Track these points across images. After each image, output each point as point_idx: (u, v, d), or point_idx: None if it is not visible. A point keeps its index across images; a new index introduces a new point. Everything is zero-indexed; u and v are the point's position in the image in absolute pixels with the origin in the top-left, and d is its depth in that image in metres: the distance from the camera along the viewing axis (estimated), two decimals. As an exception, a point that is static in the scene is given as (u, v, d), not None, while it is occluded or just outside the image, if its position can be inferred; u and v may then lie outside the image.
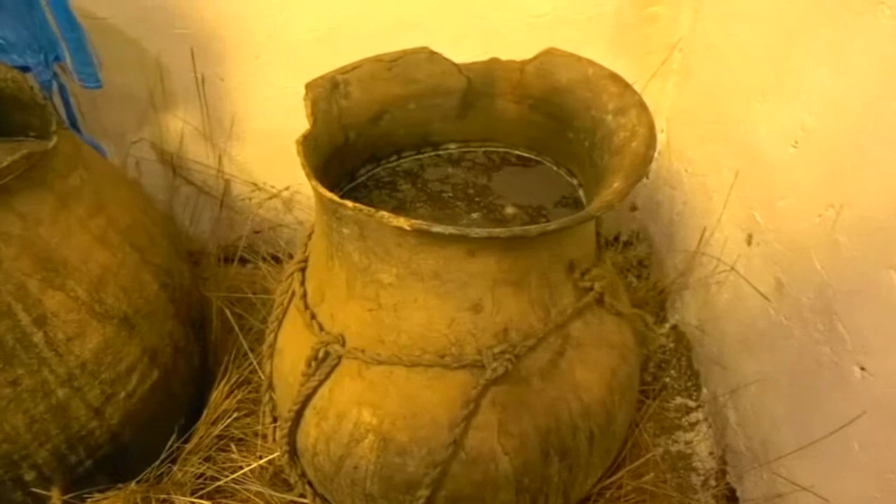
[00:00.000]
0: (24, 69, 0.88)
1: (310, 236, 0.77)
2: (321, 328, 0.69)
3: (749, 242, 0.88)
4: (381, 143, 0.82)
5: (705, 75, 1.01)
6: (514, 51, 0.80)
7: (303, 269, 0.75)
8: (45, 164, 0.73)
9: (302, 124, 0.69)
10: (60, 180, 0.76)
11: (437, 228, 0.56)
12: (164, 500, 0.86)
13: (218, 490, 0.90)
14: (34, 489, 0.78)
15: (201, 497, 0.88)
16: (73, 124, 0.98)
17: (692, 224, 1.05)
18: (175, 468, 0.90)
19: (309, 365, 0.68)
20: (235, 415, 0.95)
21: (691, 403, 1.05)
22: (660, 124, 1.13)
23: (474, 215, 0.78)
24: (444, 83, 0.80)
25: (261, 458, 0.92)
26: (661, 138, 1.12)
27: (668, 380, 1.09)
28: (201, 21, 1.03)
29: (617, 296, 0.74)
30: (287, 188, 1.23)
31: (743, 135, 0.88)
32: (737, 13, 0.90)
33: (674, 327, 1.14)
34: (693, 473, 0.97)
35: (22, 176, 0.70)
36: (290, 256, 1.23)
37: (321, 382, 0.69)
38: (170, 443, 0.88)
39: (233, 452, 0.93)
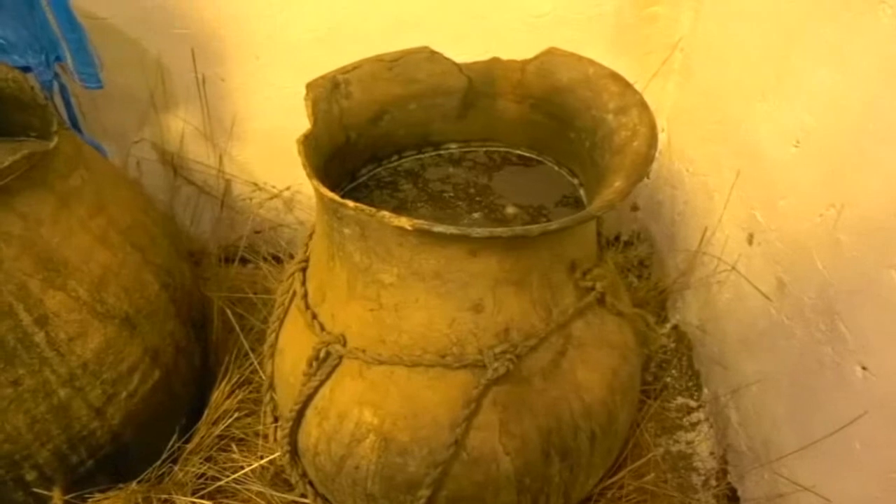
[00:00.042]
0: (26, 69, 0.88)
1: (311, 236, 0.77)
2: (322, 328, 0.69)
3: (750, 242, 0.88)
4: (382, 143, 0.82)
5: (706, 75, 1.01)
6: (514, 51, 0.80)
7: (304, 269, 0.75)
8: (46, 164, 0.73)
9: (302, 124, 0.69)
10: (61, 180, 0.76)
11: (439, 228, 0.56)
12: (166, 500, 0.86)
13: (219, 490, 0.90)
14: (35, 489, 0.78)
15: (202, 497, 0.88)
16: (74, 124, 0.98)
17: (693, 224, 1.05)
18: (176, 468, 0.90)
19: (310, 365, 0.68)
20: (236, 415, 0.95)
21: (692, 403, 1.05)
22: (661, 124, 1.13)
23: (475, 215, 0.78)
24: (444, 83, 0.80)
25: (262, 458, 0.92)
26: (661, 138, 1.12)
27: (669, 380, 1.09)
28: (201, 21, 1.03)
29: (618, 296, 0.74)
30: (288, 188, 1.23)
31: (744, 134, 0.88)
32: (737, 13, 0.90)
33: (675, 327, 1.14)
34: (694, 473, 0.97)
35: (23, 176, 0.70)
36: (291, 256, 1.23)
37: (322, 382, 0.69)
38: (171, 443, 0.89)
39: (234, 452, 0.93)
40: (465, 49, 0.81)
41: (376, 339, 0.65)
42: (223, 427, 0.94)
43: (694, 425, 1.03)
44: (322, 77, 0.74)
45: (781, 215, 0.80)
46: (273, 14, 1.03)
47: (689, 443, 1.01)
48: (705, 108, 1.01)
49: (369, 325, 0.66)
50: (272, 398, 0.80)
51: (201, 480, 0.91)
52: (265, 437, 0.92)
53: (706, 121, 1.00)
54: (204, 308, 0.99)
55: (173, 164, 1.19)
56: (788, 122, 0.77)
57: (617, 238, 1.31)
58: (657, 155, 0.91)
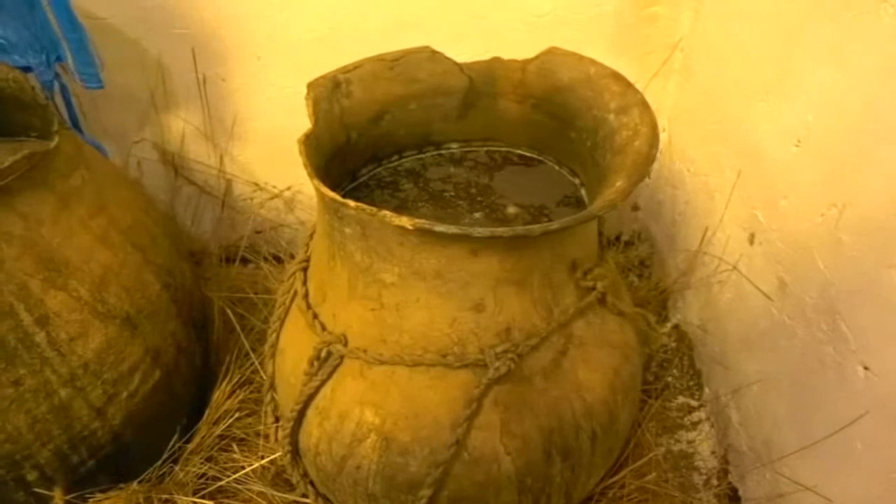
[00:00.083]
0: (26, 69, 0.88)
1: (311, 236, 0.77)
2: (323, 328, 0.69)
3: (751, 242, 0.88)
4: (383, 143, 0.82)
5: (707, 75, 1.01)
6: (514, 51, 0.80)
7: (305, 269, 0.75)
8: (46, 164, 0.73)
9: (303, 124, 0.69)
10: (62, 180, 0.76)
11: (440, 228, 0.56)
12: (166, 500, 0.86)
13: (220, 490, 0.90)
14: (36, 489, 0.78)
15: (203, 497, 0.88)
16: (75, 124, 0.98)
17: (694, 223, 1.05)
18: (177, 468, 0.90)
19: (311, 364, 0.68)
20: (237, 415, 0.95)
21: (693, 403, 1.05)
22: (661, 124, 1.13)
23: (476, 215, 0.78)
24: (445, 83, 0.80)
25: (263, 458, 0.92)
26: (662, 138, 1.12)
27: (670, 379, 1.08)
28: (201, 21, 1.03)
29: (619, 295, 0.74)
30: (288, 188, 1.23)
31: (745, 134, 0.88)
32: (737, 13, 0.90)
33: (675, 327, 1.14)
34: (695, 473, 0.97)
35: (23, 176, 0.70)
36: (292, 256, 1.23)
37: (323, 382, 0.69)
38: (172, 443, 0.88)
39: (235, 452, 0.93)
40: (465, 49, 0.81)
41: (377, 339, 0.65)
42: (224, 427, 0.94)
43: (695, 425, 1.03)
44: (323, 77, 0.74)
45: (783, 215, 0.80)
46: (273, 14, 1.03)
47: (690, 442, 1.01)
48: (706, 107, 1.01)
49: (370, 325, 0.66)
50: (273, 398, 0.80)
51: (202, 480, 0.91)
52: (266, 437, 0.92)
53: (707, 121, 1.00)
54: (205, 308, 0.99)
55: (174, 164, 1.19)
56: (789, 122, 0.77)
57: (618, 238, 1.31)
58: (658, 155, 0.91)
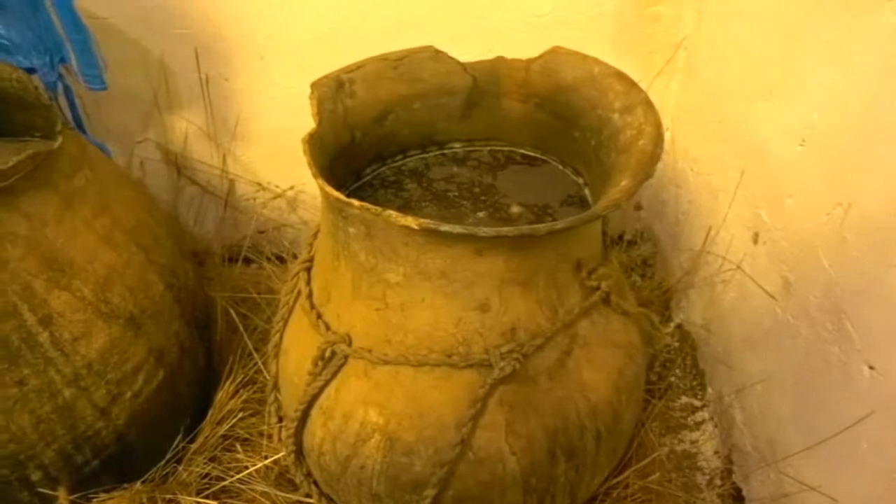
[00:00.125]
0: (30, 70, 0.88)
1: (315, 236, 0.77)
2: (327, 328, 0.69)
3: (755, 241, 0.88)
4: (387, 143, 0.82)
5: (710, 74, 1.01)
6: (515, 51, 0.80)
7: (308, 269, 0.75)
8: (50, 164, 0.73)
9: (306, 124, 0.69)
10: (65, 180, 0.76)
11: (446, 227, 0.56)
12: (170, 500, 0.86)
13: (223, 490, 0.90)
14: (40, 489, 0.78)
15: (207, 497, 0.88)
16: (79, 125, 0.98)
17: (697, 223, 1.05)
18: (180, 468, 0.90)
19: (315, 364, 0.68)
20: (241, 415, 0.95)
21: (697, 403, 1.05)
22: (665, 123, 1.12)
23: (480, 214, 0.78)
24: (449, 82, 0.80)
25: (266, 458, 0.92)
26: (666, 137, 1.12)
27: (673, 379, 1.08)
28: (202, 21, 1.03)
29: (623, 295, 0.74)
30: (291, 188, 1.23)
31: (748, 133, 0.88)
32: (740, 12, 0.90)
33: (679, 326, 1.13)
34: (699, 473, 0.97)
35: (27, 176, 0.70)
36: (295, 256, 1.23)
37: (327, 382, 0.69)
38: (175, 443, 0.88)
39: (238, 452, 0.93)
40: (465, 49, 0.81)
41: (382, 339, 0.65)
42: (227, 427, 0.94)
43: (698, 425, 1.03)
44: (326, 76, 0.74)
45: (787, 214, 0.80)
46: (273, 14, 1.02)
47: (693, 442, 1.01)
48: (709, 107, 1.01)
49: (375, 325, 0.65)
50: (276, 398, 0.80)
51: (205, 480, 0.90)
52: (269, 437, 0.92)
53: (710, 120, 1.00)
54: (208, 308, 0.99)
55: (177, 164, 1.19)
56: (794, 121, 0.77)
57: (620, 237, 1.31)
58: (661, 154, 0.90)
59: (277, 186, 1.22)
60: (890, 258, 0.62)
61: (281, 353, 0.77)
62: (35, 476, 0.77)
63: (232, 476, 0.90)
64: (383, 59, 0.78)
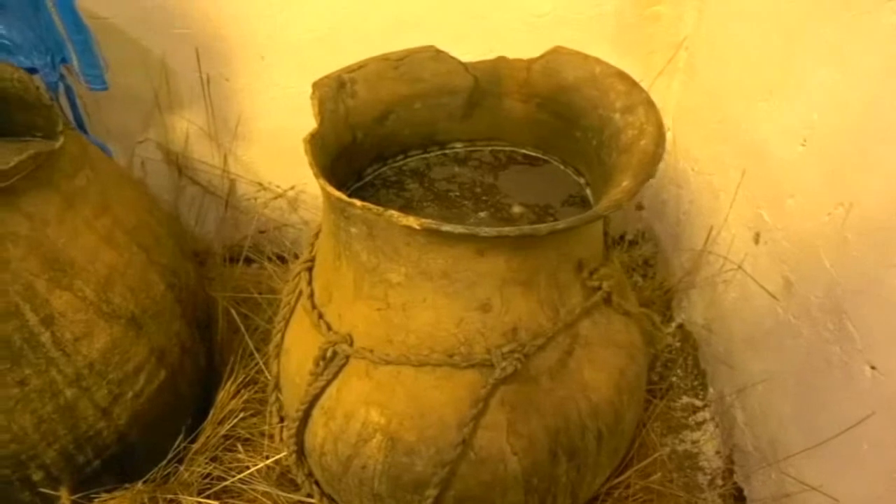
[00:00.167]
0: (32, 71, 0.88)
1: (316, 236, 0.77)
2: (329, 328, 0.69)
3: (756, 241, 0.88)
4: (388, 143, 0.82)
5: (711, 74, 1.01)
6: (515, 51, 0.80)
7: (310, 269, 0.75)
8: (51, 164, 0.73)
9: (307, 124, 0.69)
10: (67, 181, 0.76)
11: (447, 227, 0.56)
12: (171, 500, 0.86)
13: (225, 490, 0.90)
14: (42, 489, 0.78)
15: (208, 497, 0.88)
16: (80, 125, 0.98)
17: (699, 223, 1.05)
18: (182, 468, 0.90)
19: (317, 364, 0.68)
20: (242, 415, 0.95)
21: (698, 403, 1.05)
22: (666, 123, 1.12)
23: (481, 214, 0.78)
24: (450, 82, 0.80)
25: (267, 458, 0.92)
26: (667, 137, 1.12)
27: (674, 379, 1.08)
28: (203, 21, 1.03)
29: (625, 295, 0.74)
30: (292, 188, 1.23)
31: (749, 133, 0.88)
32: (741, 12, 0.90)
33: (680, 326, 1.13)
34: (700, 473, 0.97)
35: (29, 176, 0.70)
36: (296, 256, 1.23)
37: (329, 382, 0.69)
38: (177, 443, 0.89)
39: (239, 452, 0.93)
40: (465, 49, 0.81)
41: (383, 339, 0.65)
42: (229, 427, 0.94)
43: (700, 425, 1.03)
44: (328, 76, 0.74)
45: (788, 214, 0.80)
46: (273, 14, 1.02)
47: (694, 442, 1.01)
48: (710, 107, 1.01)
49: (376, 325, 0.65)
50: (278, 398, 0.80)
51: (207, 480, 0.91)
52: (271, 437, 0.92)
53: (711, 120, 1.00)
54: (209, 308, 0.99)
55: (178, 164, 1.20)
56: (795, 121, 0.77)
57: (622, 237, 1.31)
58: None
59: (278, 186, 1.22)
60: (891, 258, 0.62)
61: (282, 353, 0.77)
62: (37, 476, 0.77)
63: (233, 476, 0.90)
64: (384, 58, 0.78)
